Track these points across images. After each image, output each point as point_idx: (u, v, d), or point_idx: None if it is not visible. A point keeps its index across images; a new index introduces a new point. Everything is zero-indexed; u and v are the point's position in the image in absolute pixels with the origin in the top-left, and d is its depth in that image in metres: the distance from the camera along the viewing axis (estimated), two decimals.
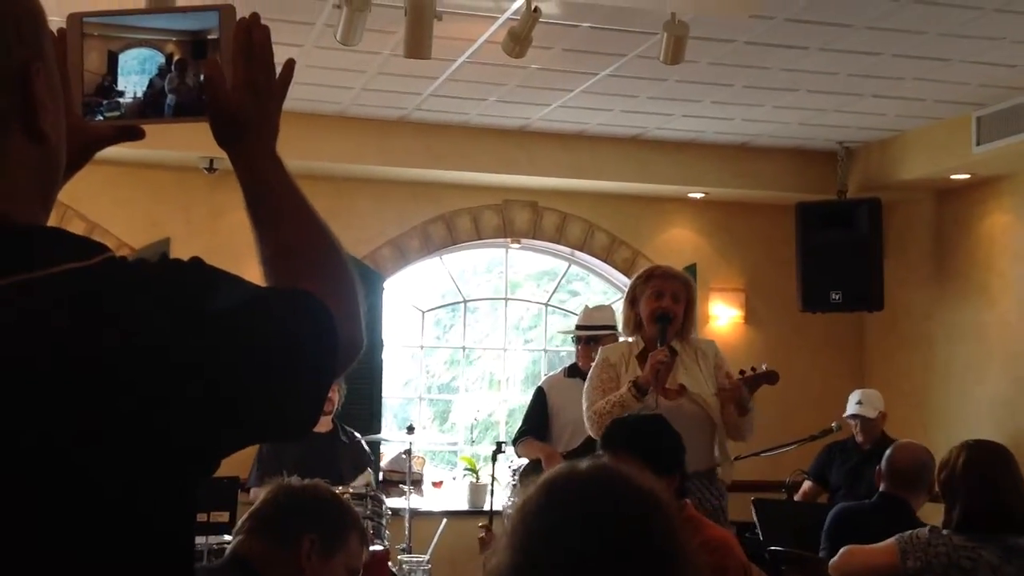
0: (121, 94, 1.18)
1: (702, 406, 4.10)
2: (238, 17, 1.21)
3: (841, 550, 3.47)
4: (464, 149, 6.65)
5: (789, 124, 6.44)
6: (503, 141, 6.70)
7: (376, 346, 6.82)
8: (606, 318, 5.70)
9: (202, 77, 1.19)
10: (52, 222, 1.08)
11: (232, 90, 1.18)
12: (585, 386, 4.24)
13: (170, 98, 1.19)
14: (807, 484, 6.10)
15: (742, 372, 5.03)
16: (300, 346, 1.07)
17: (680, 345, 4.24)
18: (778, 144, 6.92)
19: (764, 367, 5.16)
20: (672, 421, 3.92)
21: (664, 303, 4.15)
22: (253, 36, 1.20)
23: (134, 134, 1.22)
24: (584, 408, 4.18)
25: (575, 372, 5.55)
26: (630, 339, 4.30)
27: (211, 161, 6.22)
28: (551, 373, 6.15)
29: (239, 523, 2.35)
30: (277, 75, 1.23)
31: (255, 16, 1.21)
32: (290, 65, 1.26)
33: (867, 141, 6.81)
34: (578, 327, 5.76)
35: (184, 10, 1.21)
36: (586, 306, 6.08)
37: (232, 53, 1.19)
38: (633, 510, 1.38)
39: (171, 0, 3.76)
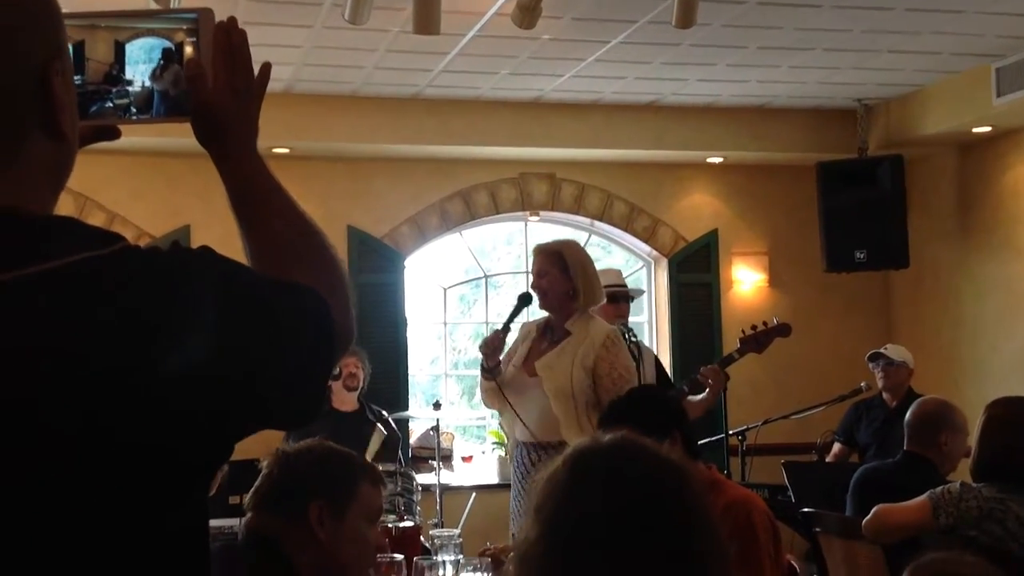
0: (130, 83, 1.20)
1: (546, 390, 3.98)
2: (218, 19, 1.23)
3: (873, 509, 3.46)
4: (479, 124, 6.63)
5: (806, 84, 6.37)
6: (518, 114, 6.67)
7: (400, 324, 6.84)
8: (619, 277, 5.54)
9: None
10: (71, 214, 1.10)
11: (212, 92, 1.21)
12: None
13: (172, 92, 1.21)
14: (837, 446, 6.07)
15: (754, 327, 5.00)
16: (306, 337, 1.10)
17: (577, 325, 4.05)
18: (796, 104, 6.85)
19: (775, 320, 5.13)
20: (525, 394, 4.05)
21: (534, 283, 4.12)
22: (232, 39, 1.22)
23: (111, 134, 1.24)
24: None
25: None
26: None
27: None
28: None
29: (247, 500, 2.28)
30: (255, 77, 1.26)
31: (232, 20, 1.24)
32: (266, 67, 1.29)
33: (886, 97, 6.74)
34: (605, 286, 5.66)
35: (163, 13, 1.23)
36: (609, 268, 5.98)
37: (211, 56, 1.21)
38: (654, 477, 1.40)
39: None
